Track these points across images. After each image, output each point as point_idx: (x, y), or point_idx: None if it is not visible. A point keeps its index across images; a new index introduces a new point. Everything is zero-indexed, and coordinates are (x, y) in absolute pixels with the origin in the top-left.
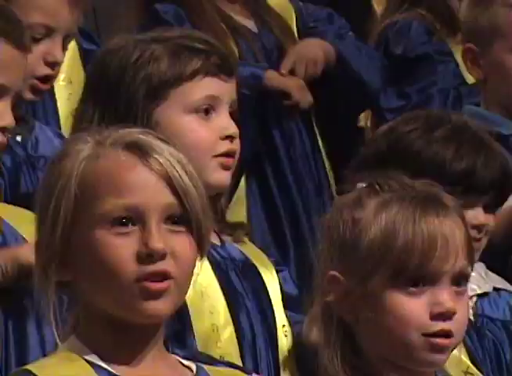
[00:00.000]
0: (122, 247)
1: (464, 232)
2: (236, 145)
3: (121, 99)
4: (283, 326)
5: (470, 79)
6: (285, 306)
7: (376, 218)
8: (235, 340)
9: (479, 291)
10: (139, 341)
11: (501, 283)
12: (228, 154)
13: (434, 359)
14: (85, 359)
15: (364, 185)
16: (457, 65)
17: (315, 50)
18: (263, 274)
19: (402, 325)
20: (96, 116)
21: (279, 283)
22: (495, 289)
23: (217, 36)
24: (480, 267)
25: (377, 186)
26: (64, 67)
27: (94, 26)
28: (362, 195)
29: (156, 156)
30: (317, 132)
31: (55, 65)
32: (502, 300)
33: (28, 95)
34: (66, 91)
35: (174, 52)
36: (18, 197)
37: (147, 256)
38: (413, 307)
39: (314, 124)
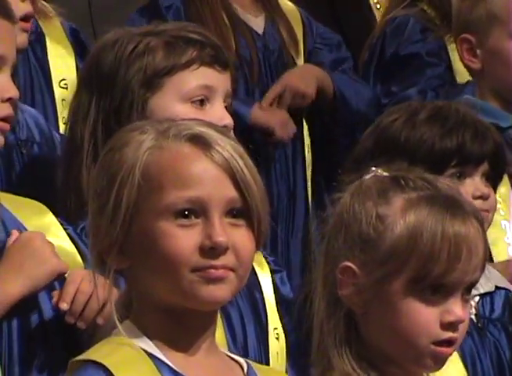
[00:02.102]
0: (185, 238)
1: (484, 242)
2: None
3: (117, 89)
4: (275, 328)
5: (461, 78)
6: (279, 309)
7: (404, 217)
8: (225, 340)
9: (482, 291)
10: (195, 330)
11: (502, 281)
12: None
13: (435, 367)
14: (141, 348)
15: (372, 175)
16: (450, 67)
17: (306, 81)
18: (258, 273)
19: (413, 331)
20: (93, 106)
21: (275, 284)
22: (497, 287)
23: (217, 30)
24: None
25: (402, 181)
26: (63, 73)
27: (89, 19)
28: (388, 189)
29: (219, 149)
30: (304, 133)
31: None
32: (502, 299)
33: None
34: (63, 96)
35: (170, 43)
36: (11, 182)
37: (210, 249)
38: (427, 315)
39: (303, 126)
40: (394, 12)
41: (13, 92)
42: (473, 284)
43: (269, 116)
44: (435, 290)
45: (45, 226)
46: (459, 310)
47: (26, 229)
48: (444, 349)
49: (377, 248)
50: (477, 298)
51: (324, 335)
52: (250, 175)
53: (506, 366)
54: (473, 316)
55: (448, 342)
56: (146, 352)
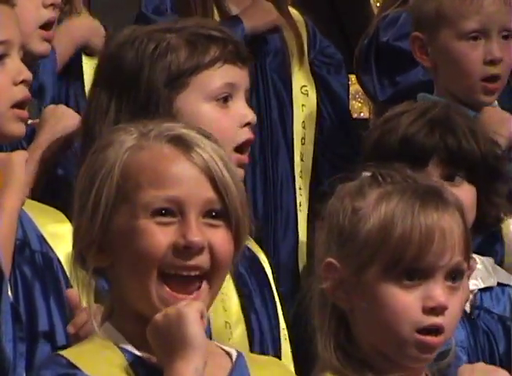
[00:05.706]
0: (161, 234)
1: (463, 228)
2: (253, 133)
3: (141, 88)
4: (283, 329)
5: None
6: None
7: (376, 208)
8: (246, 338)
9: (482, 286)
10: None
11: (508, 279)
12: (245, 144)
13: (422, 358)
14: (120, 348)
15: (368, 174)
16: None
17: None
18: (266, 270)
19: (394, 318)
20: (113, 105)
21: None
22: (500, 284)
23: None
24: (488, 261)
25: (380, 177)
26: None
27: None
28: (365, 185)
29: (199, 150)
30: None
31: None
32: (505, 296)
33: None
34: None
35: (191, 41)
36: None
37: (184, 248)
38: (406, 300)
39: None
40: (389, 11)
41: (26, 74)
42: (456, 271)
43: (261, 17)
44: (411, 275)
45: (60, 234)
46: (441, 295)
47: (41, 234)
48: (429, 338)
49: (353, 240)
50: (475, 291)
51: (318, 338)
52: (229, 177)
53: (497, 359)
54: (467, 308)
55: (435, 331)
56: (123, 350)
